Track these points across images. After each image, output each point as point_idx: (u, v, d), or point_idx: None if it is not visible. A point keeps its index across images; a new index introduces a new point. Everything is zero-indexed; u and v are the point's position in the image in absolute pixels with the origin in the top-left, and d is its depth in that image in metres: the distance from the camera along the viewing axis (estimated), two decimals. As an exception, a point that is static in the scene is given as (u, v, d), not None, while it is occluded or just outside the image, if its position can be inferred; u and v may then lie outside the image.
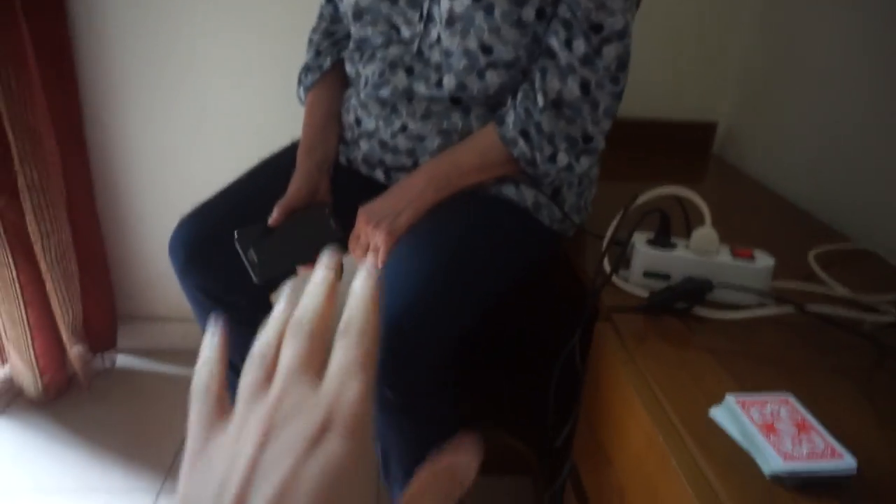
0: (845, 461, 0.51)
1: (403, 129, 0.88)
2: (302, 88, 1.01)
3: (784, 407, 0.57)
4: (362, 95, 0.91)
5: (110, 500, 1.19)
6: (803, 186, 1.18)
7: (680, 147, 1.43)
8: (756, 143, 1.35)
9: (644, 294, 0.76)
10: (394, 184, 0.88)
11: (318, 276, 0.28)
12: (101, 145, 1.44)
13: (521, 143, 0.81)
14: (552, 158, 0.82)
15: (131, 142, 1.44)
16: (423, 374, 0.76)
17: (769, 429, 0.54)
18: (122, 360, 1.58)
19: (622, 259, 0.80)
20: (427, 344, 0.74)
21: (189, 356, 1.57)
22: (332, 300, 0.28)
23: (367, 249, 0.85)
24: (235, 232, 0.85)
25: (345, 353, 0.25)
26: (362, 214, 0.85)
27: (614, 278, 0.80)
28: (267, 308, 1.14)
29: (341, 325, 0.26)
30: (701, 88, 1.43)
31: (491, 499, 1.22)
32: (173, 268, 0.92)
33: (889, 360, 0.69)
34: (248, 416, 0.24)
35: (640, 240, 0.79)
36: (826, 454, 0.52)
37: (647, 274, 0.78)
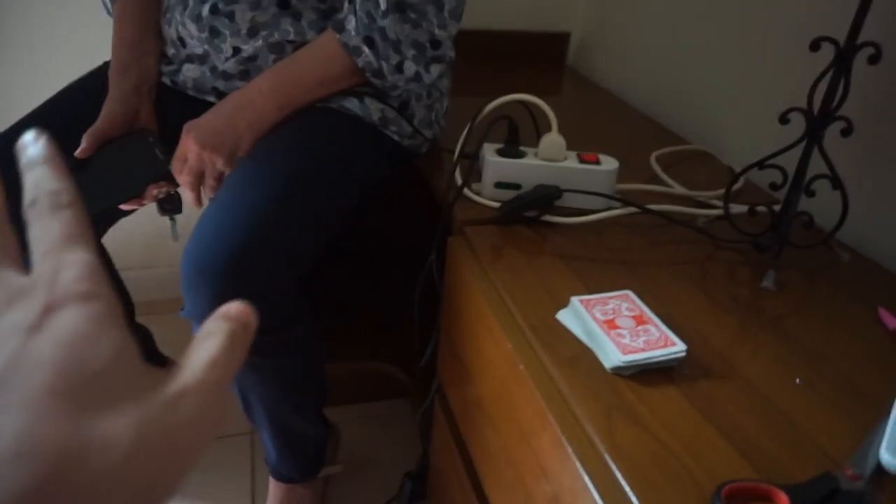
0: (677, 347, 0.54)
1: (236, 52, 0.78)
2: (107, -2, 0.87)
3: (624, 303, 0.59)
4: (186, 13, 0.79)
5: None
6: (647, 93, 1.21)
7: (535, 59, 1.42)
8: (605, 53, 1.36)
9: (496, 205, 0.75)
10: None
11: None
12: None
13: (367, 51, 0.75)
14: (399, 68, 0.76)
15: None
16: (273, 311, 0.71)
17: (610, 325, 0.56)
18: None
19: (473, 171, 0.78)
20: (271, 281, 0.69)
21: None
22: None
23: (198, 175, 0.75)
24: None
25: (46, 231, 0.22)
26: (193, 136, 0.74)
27: (467, 191, 0.78)
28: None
29: (27, 201, 0.23)
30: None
31: (371, 424, 1.23)
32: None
33: (718, 251, 0.73)
34: None
35: (489, 150, 0.77)
36: (660, 343, 0.54)
37: (499, 185, 0.77)
